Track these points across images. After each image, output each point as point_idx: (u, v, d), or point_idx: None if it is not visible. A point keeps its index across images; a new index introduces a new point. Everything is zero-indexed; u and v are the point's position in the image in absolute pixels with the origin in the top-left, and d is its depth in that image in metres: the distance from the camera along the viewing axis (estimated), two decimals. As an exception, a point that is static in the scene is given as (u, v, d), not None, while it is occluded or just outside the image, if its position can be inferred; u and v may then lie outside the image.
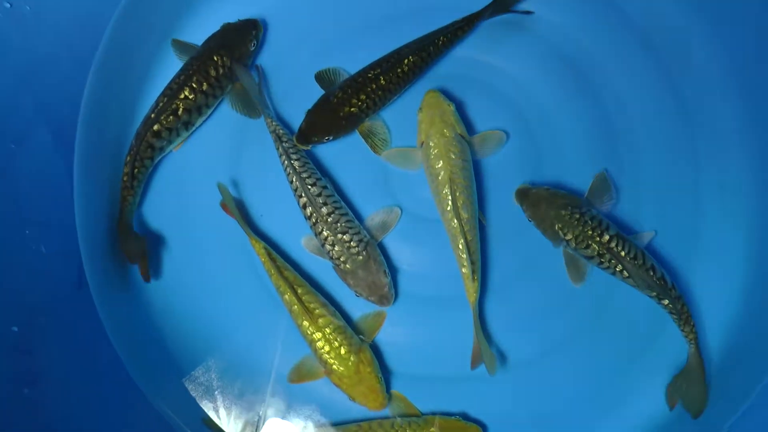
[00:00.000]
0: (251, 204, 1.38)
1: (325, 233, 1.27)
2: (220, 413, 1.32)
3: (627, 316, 1.32)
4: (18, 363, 1.20)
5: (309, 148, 1.34)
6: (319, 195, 1.28)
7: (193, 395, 1.32)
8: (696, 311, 1.29)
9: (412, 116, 1.34)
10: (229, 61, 1.34)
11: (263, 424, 1.31)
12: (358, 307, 1.33)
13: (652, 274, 1.23)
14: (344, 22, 1.41)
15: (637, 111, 1.37)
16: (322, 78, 1.37)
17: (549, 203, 1.27)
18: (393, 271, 1.34)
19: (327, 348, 1.25)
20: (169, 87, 1.33)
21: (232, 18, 1.38)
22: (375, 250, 1.29)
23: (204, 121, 1.38)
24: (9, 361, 1.19)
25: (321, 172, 1.32)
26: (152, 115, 1.32)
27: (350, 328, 1.29)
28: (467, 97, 1.38)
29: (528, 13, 1.38)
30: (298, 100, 1.36)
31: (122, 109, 1.39)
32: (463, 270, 1.28)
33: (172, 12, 1.41)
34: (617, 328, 1.32)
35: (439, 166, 1.28)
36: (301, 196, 1.29)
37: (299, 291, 1.27)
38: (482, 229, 1.33)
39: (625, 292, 1.29)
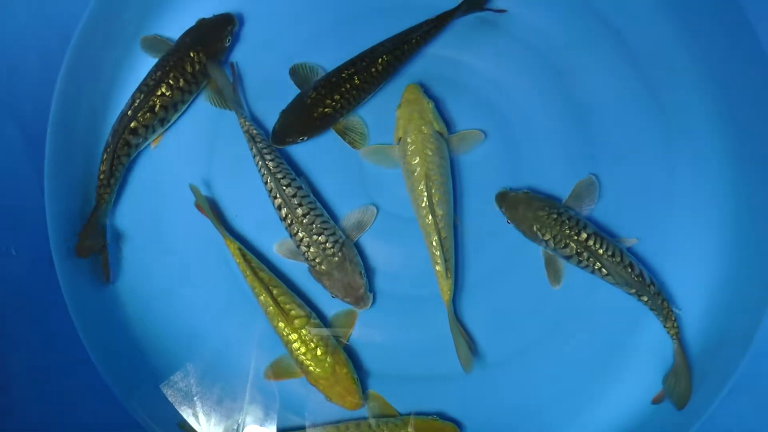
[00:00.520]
0: (226, 204, 1.37)
1: (300, 234, 1.27)
2: (197, 417, 1.31)
3: (603, 314, 1.32)
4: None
5: (282, 148, 1.33)
6: (294, 196, 1.27)
7: (169, 399, 1.31)
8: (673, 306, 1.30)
9: (388, 113, 1.33)
10: (205, 57, 1.33)
11: (242, 427, 1.30)
12: (334, 309, 1.32)
13: (630, 271, 1.24)
14: (319, 18, 1.41)
15: (613, 110, 1.37)
16: (296, 72, 1.36)
17: (527, 205, 1.28)
18: (369, 270, 1.33)
19: (303, 349, 1.25)
20: (144, 83, 1.32)
21: (206, 13, 1.37)
22: (351, 250, 1.29)
23: (179, 117, 1.37)
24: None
25: (296, 172, 1.32)
26: (129, 112, 1.31)
27: (326, 328, 1.28)
28: (444, 97, 1.37)
29: (501, 11, 1.38)
30: (272, 98, 1.36)
31: (93, 107, 1.38)
32: (437, 268, 1.27)
33: (145, 8, 1.40)
34: (593, 327, 1.32)
35: (416, 162, 1.28)
36: (276, 197, 1.28)
37: (275, 292, 1.26)
38: (457, 228, 1.33)
39: (602, 292, 1.30)
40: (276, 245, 1.33)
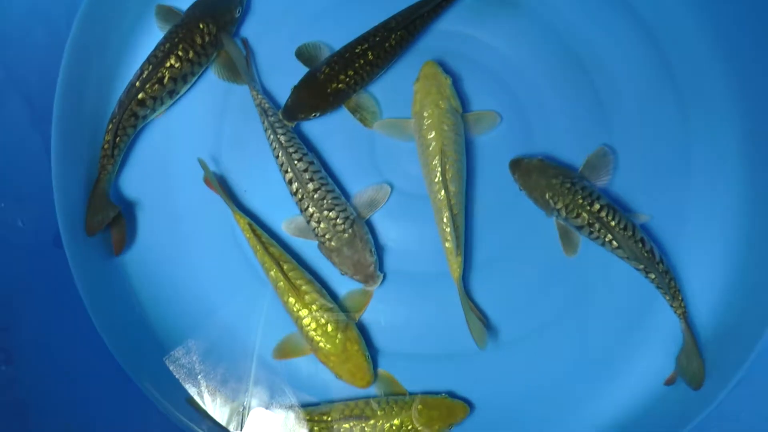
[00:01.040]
0: (235, 179, 1.36)
1: (310, 209, 1.25)
2: (203, 393, 1.30)
3: (615, 293, 1.32)
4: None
5: (294, 125, 1.32)
6: (306, 170, 1.26)
7: (176, 375, 1.30)
8: (687, 286, 1.30)
9: (399, 90, 1.33)
10: (215, 28, 1.31)
11: (249, 404, 1.29)
12: (345, 285, 1.31)
13: (641, 246, 1.23)
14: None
15: (630, 90, 1.36)
16: (302, 53, 1.34)
17: (540, 172, 1.27)
18: (380, 248, 1.32)
19: (314, 325, 1.23)
20: (153, 55, 1.30)
21: None
22: (362, 228, 1.28)
23: (188, 90, 1.35)
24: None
25: (307, 147, 1.30)
26: (137, 84, 1.29)
27: (337, 305, 1.27)
28: (459, 73, 1.36)
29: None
30: (284, 72, 1.34)
31: (100, 80, 1.36)
32: (447, 245, 1.26)
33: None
34: (605, 305, 1.32)
35: (431, 136, 1.27)
36: (287, 172, 1.27)
37: (285, 267, 1.25)
38: (469, 207, 1.32)
39: (614, 270, 1.30)
40: (284, 223, 1.31)
